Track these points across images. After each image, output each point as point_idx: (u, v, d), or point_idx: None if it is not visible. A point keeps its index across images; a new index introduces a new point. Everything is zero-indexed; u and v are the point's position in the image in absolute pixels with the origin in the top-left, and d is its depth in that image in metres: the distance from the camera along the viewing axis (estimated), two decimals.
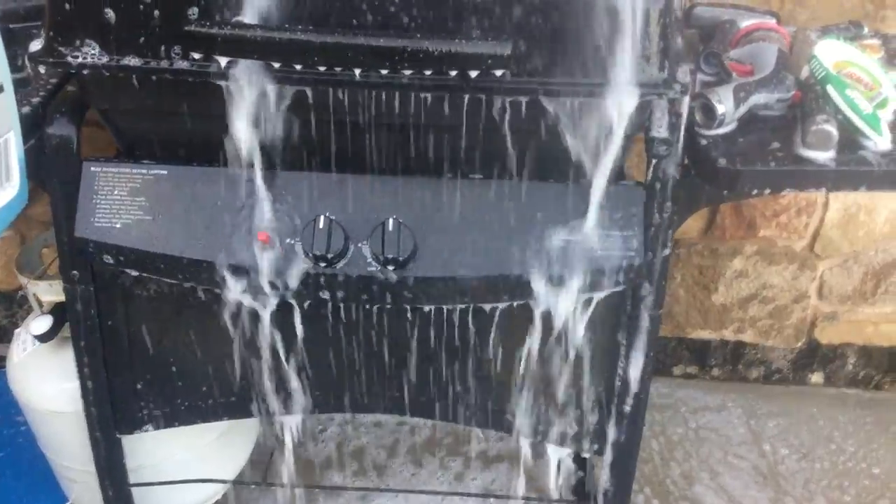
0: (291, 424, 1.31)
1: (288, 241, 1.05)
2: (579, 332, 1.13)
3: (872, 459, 1.89)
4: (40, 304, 1.34)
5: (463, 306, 1.12)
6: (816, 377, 2.10)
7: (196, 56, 0.94)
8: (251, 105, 0.95)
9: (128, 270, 1.11)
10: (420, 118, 0.98)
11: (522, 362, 1.17)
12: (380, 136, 1.02)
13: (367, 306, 1.13)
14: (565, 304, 1.09)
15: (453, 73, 0.91)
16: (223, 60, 0.92)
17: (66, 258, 1.11)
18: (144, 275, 1.12)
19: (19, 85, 1.06)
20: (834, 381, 2.10)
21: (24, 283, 1.33)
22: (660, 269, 1.08)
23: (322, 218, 1.03)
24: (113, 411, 1.25)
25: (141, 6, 0.92)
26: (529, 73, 0.93)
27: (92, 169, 1.07)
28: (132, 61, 0.95)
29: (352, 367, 1.20)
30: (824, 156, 1.00)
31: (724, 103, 1.03)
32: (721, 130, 1.05)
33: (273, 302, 1.09)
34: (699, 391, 2.06)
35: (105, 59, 0.95)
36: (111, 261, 1.07)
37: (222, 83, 0.94)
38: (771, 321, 1.98)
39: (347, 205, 1.05)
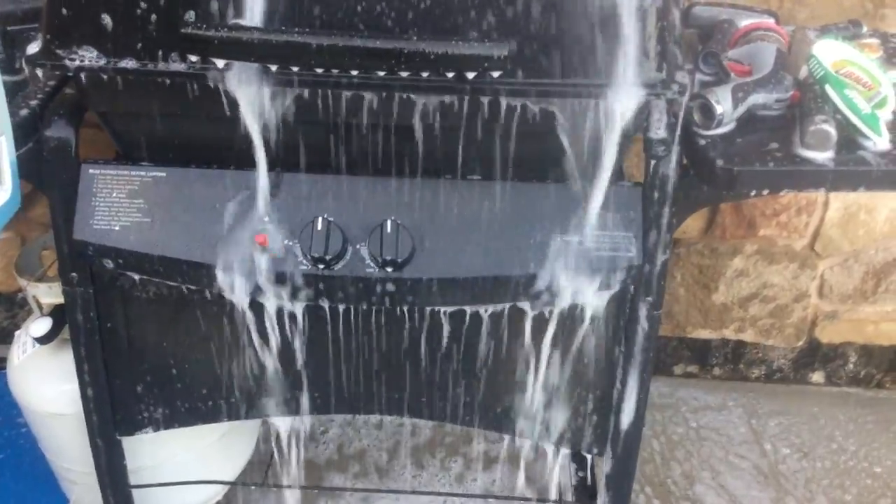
0: (292, 426, 1.31)
1: (286, 242, 1.04)
2: (579, 333, 1.13)
3: (874, 458, 1.89)
4: (40, 306, 1.34)
5: (462, 308, 1.11)
6: (817, 376, 2.10)
7: (193, 59, 0.94)
8: (249, 107, 0.95)
9: (126, 273, 1.11)
10: (417, 120, 0.98)
11: (522, 363, 1.17)
12: (378, 138, 1.02)
13: (366, 308, 1.12)
14: (564, 306, 1.09)
15: (451, 74, 0.91)
16: (220, 63, 0.92)
17: (64, 260, 1.11)
18: (143, 277, 1.12)
19: (17, 87, 1.06)
20: (835, 380, 2.10)
21: (23, 285, 1.34)
22: (659, 269, 1.07)
23: (320, 220, 1.03)
24: (113, 413, 1.25)
25: (138, 9, 0.92)
26: (526, 74, 0.93)
27: (90, 171, 1.07)
28: (130, 64, 0.95)
29: (350, 368, 1.20)
30: (823, 156, 1.00)
31: (723, 103, 1.03)
32: (719, 131, 1.04)
33: (271, 304, 1.09)
34: (700, 390, 2.06)
35: (103, 62, 0.95)
36: (110, 264, 1.07)
37: (220, 86, 0.94)
38: (771, 320, 1.98)
39: (345, 206, 1.05)
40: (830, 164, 1.00)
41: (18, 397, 1.39)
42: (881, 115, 1.03)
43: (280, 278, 1.05)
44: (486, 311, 1.12)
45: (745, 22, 1.23)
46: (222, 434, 1.48)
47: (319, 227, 1.03)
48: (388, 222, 1.03)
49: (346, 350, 1.18)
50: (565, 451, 1.28)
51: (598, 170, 1.00)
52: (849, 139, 1.02)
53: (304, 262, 1.04)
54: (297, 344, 1.15)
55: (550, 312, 1.10)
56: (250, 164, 1.02)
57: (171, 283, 1.12)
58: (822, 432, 1.95)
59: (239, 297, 1.08)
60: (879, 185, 1.02)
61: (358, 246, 1.04)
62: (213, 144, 1.03)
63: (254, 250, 1.04)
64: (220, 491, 1.56)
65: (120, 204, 1.06)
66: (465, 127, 0.99)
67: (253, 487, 1.65)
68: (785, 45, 1.17)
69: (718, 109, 1.03)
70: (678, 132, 1.01)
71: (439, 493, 1.74)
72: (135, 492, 1.37)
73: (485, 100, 0.96)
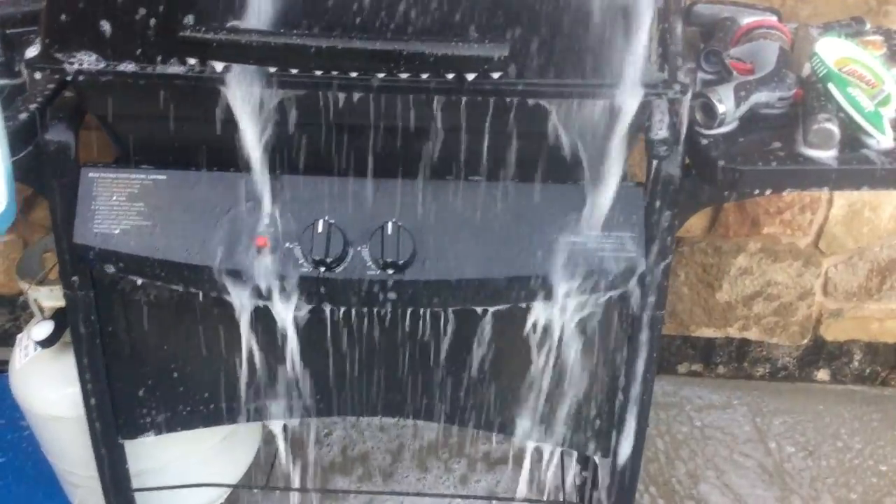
0: (295, 428, 1.30)
1: (287, 245, 1.04)
2: (581, 334, 1.13)
3: (879, 456, 1.88)
4: (41, 309, 1.34)
5: (463, 309, 1.11)
6: (822, 374, 2.09)
7: (192, 62, 0.93)
8: (248, 110, 0.95)
9: (127, 276, 1.11)
10: (417, 121, 0.97)
11: (524, 365, 1.17)
12: (378, 140, 1.02)
13: (367, 310, 1.12)
14: (566, 306, 1.08)
15: (450, 75, 0.90)
16: (219, 66, 0.91)
17: (65, 264, 1.10)
18: (144, 280, 1.12)
19: (17, 91, 1.06)
20: (840, 377, 2.09)
21: (24, 288, 1.34)
22: (661, 269, 1.07)
23: (321, 222, 1.03)
24: (115, 416, 1.25)
25: (137, 13, 0.92)
26: (526, 74, 0.92)
27: (90, 175, 1.07)
28: (129, 67, 0.95)
29: (352, 370, 1.19)
30: (826, 155, 0.99)
31: (725, 102, 1.02)
32: (722, 130, 1.04)
33: (272, 306, 1.08)
34: (704, 389, 2.06)
35: (101, 66, 0.95)
36: (111, 268, 1.07)
37: (219, 88, 0.93)
38: (776, 318, 1.98)
39: (346, 209, 1.05)
40: (834, 163, 0.99)
41: (20, 401, 1.39)
42: (885, 112, 1.03)
43: (281, 281, 1.05)
44: (487, 312, 1.12)
45: (747, 20, 1.22)
46: (225, 437, 1.48)
47: (320, 229, 1.03)
48: (389, 224, 1.03)
49: (347, 352, 1.17)
50: (569, 451, 1.27)
51: (599, 170, 0.99)
52: (852, 137, 1.02)
53: (305, 264, 1.04)
54: (299, 346, 1.15)
55: (552, 313, 1.10)
56: (250, 166, 1.01)
57: (172, 287, 1.12)
58: (828, 430, 1.95)
59: (240, 299, 1.07)
60: (883, 183, 1.01)
61: (359, 248, 1.04)
62: (213, 147, 1.03)
63: (254, 253, 1.04)
64: (222, 494, 1.56)
65: (120, 207, 1.06)
66: (466, 128, 0.98)
67: (256, 490, 1.65)
68: (787, 42, 1.16)
69: (720, 108, 1.02)
70: (680, 132, 1.00)
71: (443, 495, 1.74)
72: (137, 495, 1.37)
73: (484, 101, 0.95)
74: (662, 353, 2.04)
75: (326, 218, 1.03)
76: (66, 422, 1.35)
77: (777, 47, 1.12)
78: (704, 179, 1.02)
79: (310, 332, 1.13)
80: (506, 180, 1.04)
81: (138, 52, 0.94)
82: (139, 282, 1.13)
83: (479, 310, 1.11)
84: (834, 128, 0.99)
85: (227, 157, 1.02)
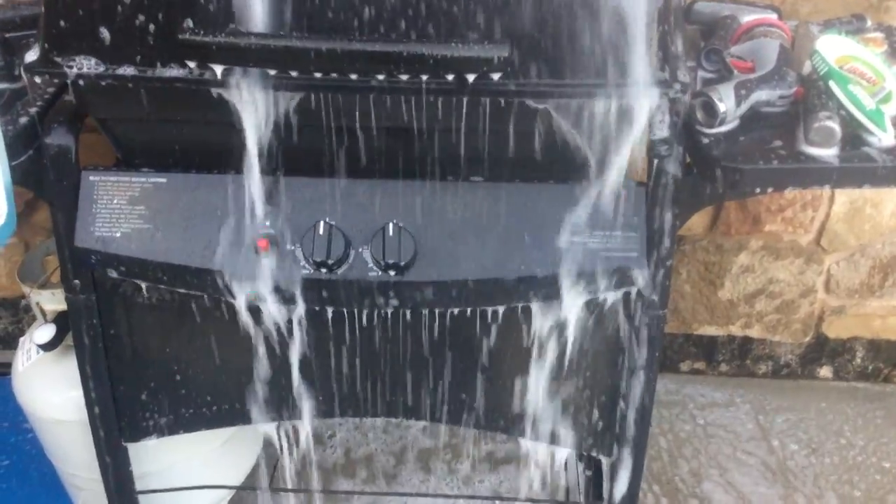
0: (297, 430, 1.30)
1: (288, 247, 1.04)
2: (583, 334, 1.13)
3: (882, 453, 1.88)
4: (44, 312, 1.34)
5: (465, 310, 1.11)
6: (825, 371, 2.09)
7: (192, 65, 0.93)
8: (248, 112, 0.95)
9: (129, 279, 1.11)
10: (418, 122, 0.97)
11: (526, 365, 1.17)
12: (379, 141, 1.01)
13: (369, 311, 1.12)
14: (568, 306, 1.08)
15: (451, 77, 0.90)
16: (219, 69, 0.91)
17: (67, 268, 1.10)
18: (146, 283, 1.12)
19: (16, 95, 1.06)
20: (843, 375, 2.09)
21: (26, 292, 1.34)
22: (663, 268, 1.07)
23: (322, 224, 1.03)
24: (118, 420, 1.25)
25: (136, 16, 0.91)
26: (526, 75, 0.92)
27: (91, 178, 1.07)
28: (128, 71, 0.94)
29: (355, 371, 1.19)
30: (827, 153, 0.99)
31: (726, 101, 1.02)
32: (722, 128, 1.03)
33: (274, 309, 1.08)
34: (707, 387, 2.06)
35: (101, 69, 0.95)
36: (112, 271, 1.07)
37: (219, 91, 0.93)
38: (778, 316, 1.97)
39: (347, 210, 1.05)
40: (835, 161, 0.99)
41: (23, 404, 1.39)
42: (886, 110, 1.02)
43: (282, 283, 1.05)
44: (489, 312, 1.12)
45: (747, 18, 1.22)
46: (227, 439, 1.48)
47: (321, 231, 1.03)
48: (390, 225, 1.03)
49: (349, 353, 1.17)
50: (572, 451, 1.27)
51: (600, 170, 0.99)
52: (853, 135, 1.01)
53: (307, 266, 1.04)
54: (301, 348, 1.15)
55: (555, 314, 1.10)
56: (251, 168, 1.01)
57: (174, 290, 1.12)
58: (831, 428, 1.94)
59: (241, 302, 1.07)
60: (885, 181, 1.01)
61: (360, 250, 1.04)
62: (213, 149, 1.03)
63: (256, 255, 1.04)
64: (225, 496, 1.56)
65: (121, 210, 1.06)
66: (467, 129, 0.98)
67: (259, 492, 1.65)
68: (788, 40, 1.16)
69: (721, 107, 1.02)
70: (685, 131, 1.00)
71: (447, 496, 1.73)
72: (141, 497, 1.37)
73: (484, 101, 0.95)
74: (665, 351, 2.04)
75: (327, 219, 1.03)
76: (68, 425, 1.35)
77: (778, 45, 1.12)
78: (705, 178, 1.02)
79: (311, 333, 1.14)
80: (506, 180, 1.04)
81: (138, 55, 0.94)
82: (141, 285, 1.13)
83: (481, 310, 1.11)
84: (835, 126, 0.98)
85: (228, 159, 1.02)
